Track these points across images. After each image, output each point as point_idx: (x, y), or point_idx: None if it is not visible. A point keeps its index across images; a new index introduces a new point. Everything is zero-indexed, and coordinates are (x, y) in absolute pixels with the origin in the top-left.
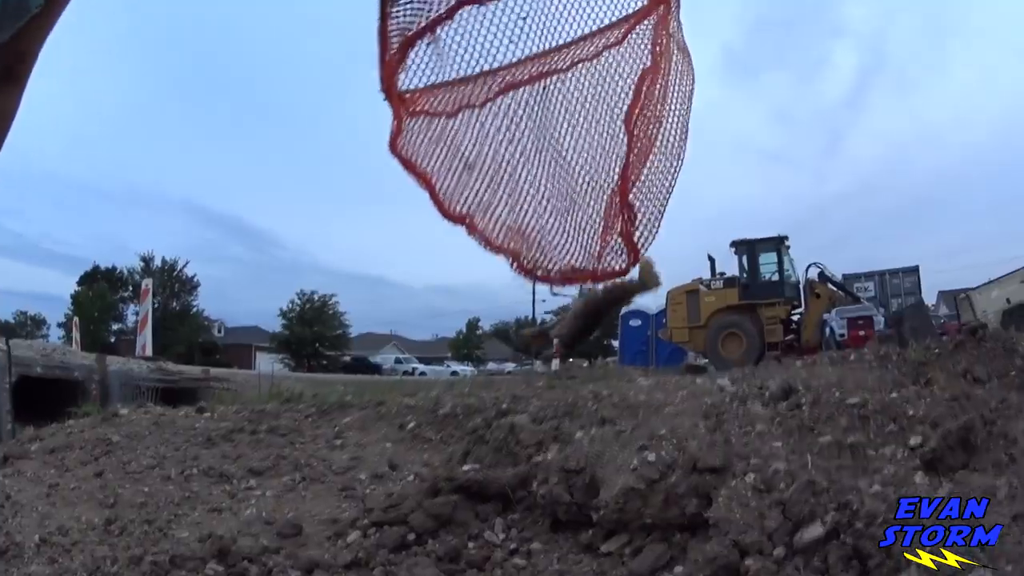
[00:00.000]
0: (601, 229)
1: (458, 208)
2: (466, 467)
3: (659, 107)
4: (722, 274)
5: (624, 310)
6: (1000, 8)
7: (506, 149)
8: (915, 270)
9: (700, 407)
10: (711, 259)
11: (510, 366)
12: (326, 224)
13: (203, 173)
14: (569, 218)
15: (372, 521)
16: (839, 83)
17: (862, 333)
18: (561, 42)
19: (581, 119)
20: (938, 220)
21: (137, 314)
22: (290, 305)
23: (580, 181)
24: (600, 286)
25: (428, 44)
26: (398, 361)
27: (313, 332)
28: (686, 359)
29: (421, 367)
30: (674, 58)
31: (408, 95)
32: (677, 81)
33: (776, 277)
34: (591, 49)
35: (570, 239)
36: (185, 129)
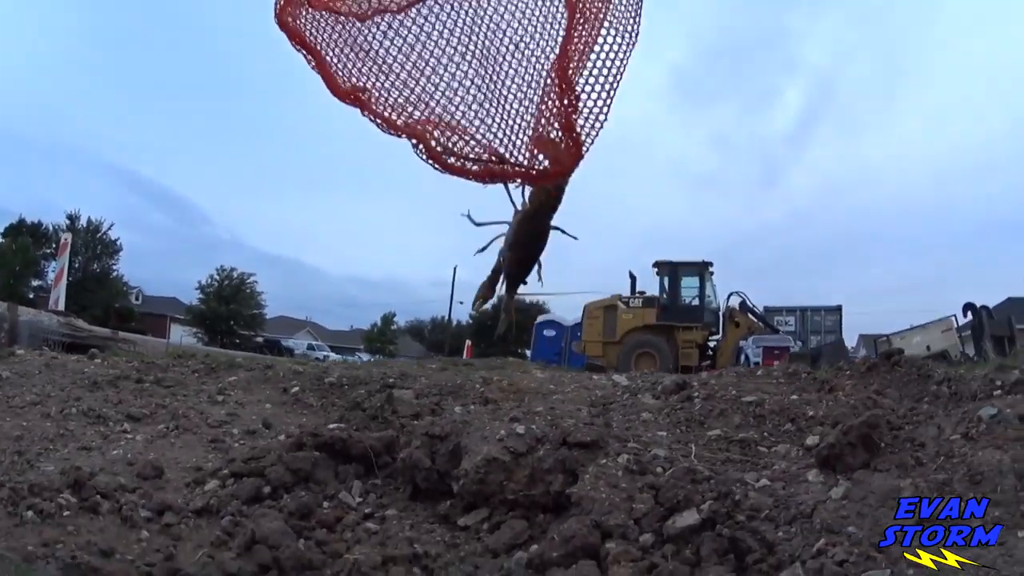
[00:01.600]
0: (535, 115)
1: (351, 81)
2: (332, 425)
3: None
4: (642, 293)
5: (539, 319)
6: (951, 59)
7: (425, 42)
8: (838, 309)
9: (589, 397)
10: (632, 277)
11: None
12: (254, 203)
13: (137, 137)
14: (493, 96)
15: (232, 472)
16: (784, 117)
17: (777, 363)
18: None
19: (515, 5)
20: (866, 262)
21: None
22: (208, 280)
23: (509, 56)
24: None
25: None
26: (311, 347)
27: (229, 309)
28: None
29: (333, 355)
30: None
31: None
32: None
33: (696, 301)
34: None
35: (494, 121)
36: (123, 90)
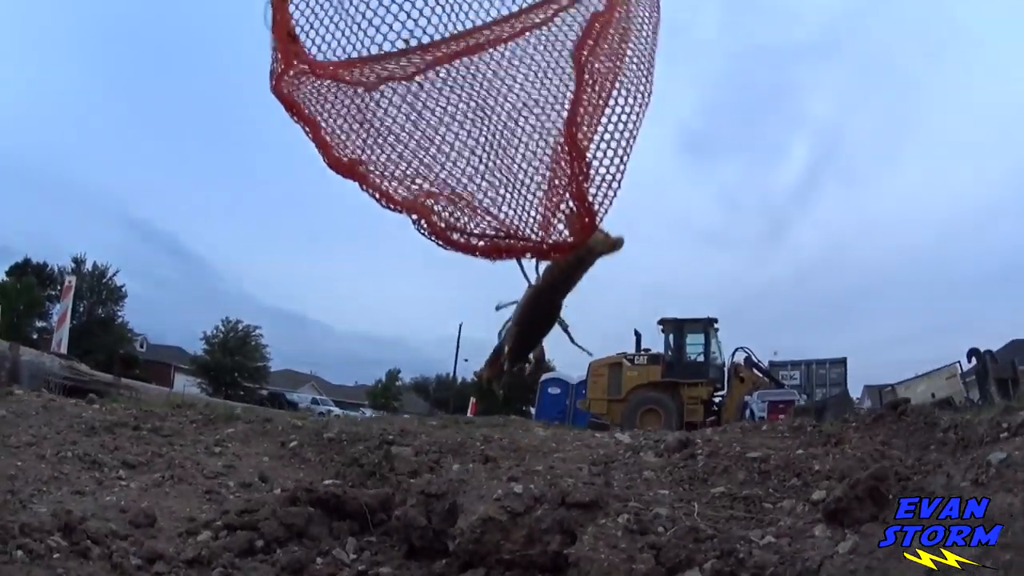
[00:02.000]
0: (546, 188)
1: (347, 154)
2: (328, 481)
3: (619, 42)
4: (647, 350)
5: (544, 377)
6: (953, 108)
7: (432, 111)
8: (843, 361)
9: (591, 455)
10: (637, 334)
11: None
12: (262, 255)
13: (146, 186)
14: (503, 166)
15: (225, 524)
16: (790, 171)
17: (782, 417)
18: (506, 12)
19: (523, 72)
20: (872, 314)
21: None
22: (214, 331)
23: (521, 123)
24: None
25: None
26: (315, 402)
27: (234, 361)
28: None
29: (337, 410)
30: None
31: (324, 64)
32: (642, 14)
33: (701, 358)
34: (541, 16)
35: (504, 192)
36: (135, 137)
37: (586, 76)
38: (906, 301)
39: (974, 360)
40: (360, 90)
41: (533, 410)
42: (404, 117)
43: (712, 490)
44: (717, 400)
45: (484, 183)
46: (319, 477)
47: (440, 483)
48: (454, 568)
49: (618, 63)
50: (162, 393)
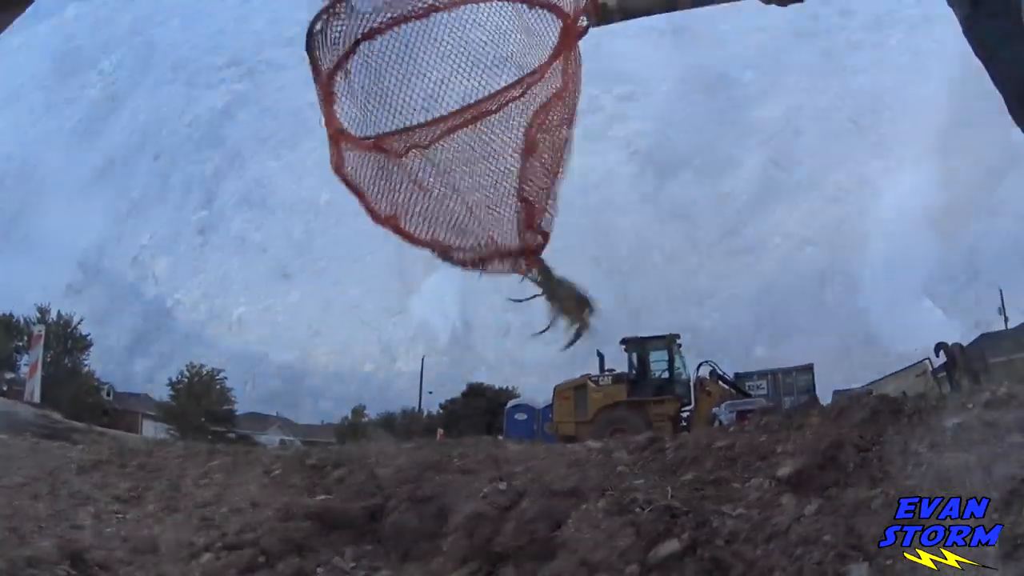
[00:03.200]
0: (511, 220)
1: (384, 211)
2: (320, 496)
3: (568, 114)
4: (611, 370)
5: (510, 403)
6: (905, 102)
7: (438, 174)
8: (809, 368)
9: (565, 460)
10: (600, 355)
11: None
12: (221, 298)
13: (106, 232)
14: (481, 211)
15: (225, 544)
16: (744, 182)
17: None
18: (496, 89)
19: (497, 143)
20: (837, 319)
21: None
22: (179, 377)
23: (491, 185)
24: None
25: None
26: (283, 443)
27: (200, 405)
28: None
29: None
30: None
31: (369, 140)
32: (575, 95)
33: (666, 375)
34: (520, 89)
35: (483, 227)
36: (92, 181)
37: (530, 148)
38: (872, 303)
39: (943, 355)
40: (391, 159)
41: (500, 438)
42: (421, 178)
43: (683, 477)
44: (685, 415)
45: (474, 223)
46: (307, 498)
47: (427, 488)
48: (449, 566)
49: (557, 135)
50: (136, 440)
